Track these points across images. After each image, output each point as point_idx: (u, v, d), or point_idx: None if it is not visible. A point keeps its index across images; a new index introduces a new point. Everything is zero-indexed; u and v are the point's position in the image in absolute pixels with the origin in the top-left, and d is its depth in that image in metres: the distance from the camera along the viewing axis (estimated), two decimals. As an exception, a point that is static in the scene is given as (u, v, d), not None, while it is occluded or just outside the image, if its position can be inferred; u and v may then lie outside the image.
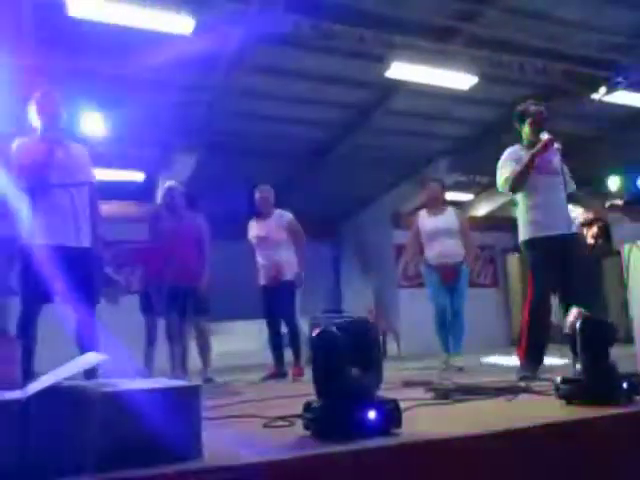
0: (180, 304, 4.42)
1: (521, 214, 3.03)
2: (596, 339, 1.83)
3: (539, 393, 2.21)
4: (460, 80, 6.86)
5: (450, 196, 11.43)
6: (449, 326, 4.56)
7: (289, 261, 4.69)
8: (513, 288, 10.12)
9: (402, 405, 1.37)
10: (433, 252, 4.56)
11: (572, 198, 3.02)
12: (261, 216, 4.83)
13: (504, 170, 2.94)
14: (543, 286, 2.94)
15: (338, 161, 9.13)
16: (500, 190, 3.06)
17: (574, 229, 3.04)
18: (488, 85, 7.37)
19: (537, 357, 2.98)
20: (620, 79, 7.35)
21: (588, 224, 6.17)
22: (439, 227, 4.59)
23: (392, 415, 1.31)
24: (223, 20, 5.38)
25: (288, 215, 4.82)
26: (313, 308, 8.41)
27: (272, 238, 4.70)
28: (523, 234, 3.01)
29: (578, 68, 7.23)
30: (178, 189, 4.81)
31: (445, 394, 2.15)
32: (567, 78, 7.40)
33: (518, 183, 2.88)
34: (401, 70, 6.48)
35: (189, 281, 4.44)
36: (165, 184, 4.95)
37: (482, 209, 11.34)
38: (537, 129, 2.98)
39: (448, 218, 4.67)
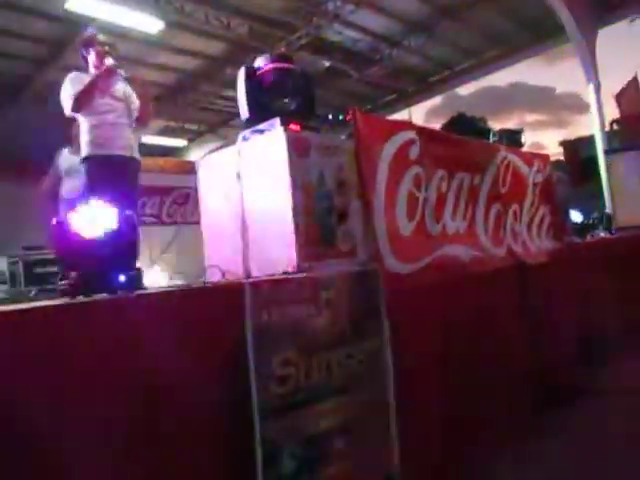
0: None
1: (84, 133, 3.17)
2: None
3: None
4: (147, 23, 6.98)
5: (162, 141, 11.85)
6: None
7: None
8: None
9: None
10: None
11: None
12: None
13: (70, 92, 3.08)
14: None
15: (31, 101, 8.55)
16: (66, 111, 3.14)
17: (137, 155, 3.24)
18: (176, 33, 7.79)
19: None
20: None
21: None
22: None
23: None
24: None
25: None
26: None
27: None
28: (84, 152, 3.14)
29: (260, 27, 8.22)
30: None
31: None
32: (251, 35, 8.39)
33: (83, 103, 3.07)
34: (82, 3, 6.24)
35: None
36: None
37: (194, 155, 12.03)
38: (102, 56, 3.15)
39: None
